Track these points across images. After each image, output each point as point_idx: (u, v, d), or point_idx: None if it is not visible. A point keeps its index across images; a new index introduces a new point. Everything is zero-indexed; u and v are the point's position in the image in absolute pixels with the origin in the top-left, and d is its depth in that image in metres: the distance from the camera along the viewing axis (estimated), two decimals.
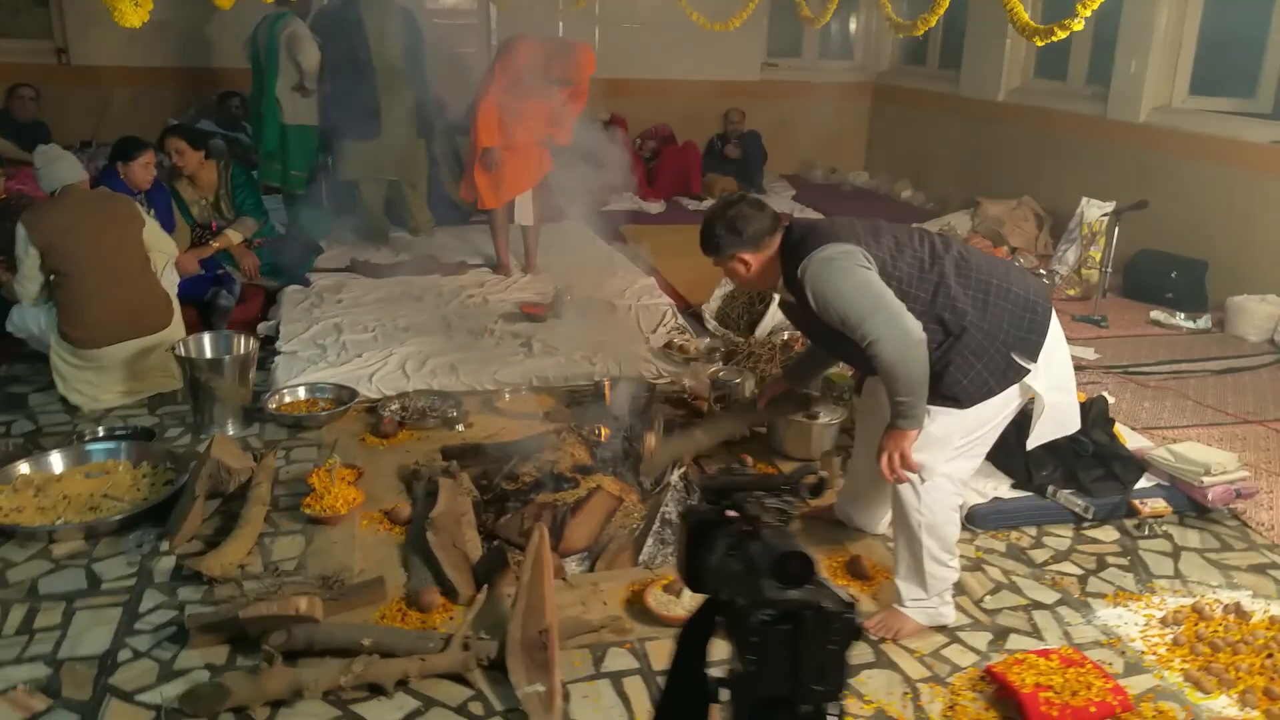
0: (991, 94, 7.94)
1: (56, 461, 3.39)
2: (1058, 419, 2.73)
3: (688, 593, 2.74)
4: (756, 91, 9.58)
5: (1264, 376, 4.67)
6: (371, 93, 6.00)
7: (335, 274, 5.71)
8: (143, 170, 4.66)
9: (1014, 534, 3.27)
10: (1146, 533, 3.28)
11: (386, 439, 3.79)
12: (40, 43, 8.11)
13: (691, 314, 5.35)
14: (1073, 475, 3.42)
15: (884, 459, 2.57)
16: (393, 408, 4.01)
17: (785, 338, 4.77)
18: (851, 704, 2.43)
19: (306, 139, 6.39)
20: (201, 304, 4.77)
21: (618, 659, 2.58)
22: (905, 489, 2.64)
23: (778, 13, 9.16)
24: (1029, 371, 2.59)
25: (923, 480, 2.61)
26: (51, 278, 3.91)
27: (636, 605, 2.77)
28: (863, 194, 9.11)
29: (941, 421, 2.58)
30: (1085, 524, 3.33)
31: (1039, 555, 3.15)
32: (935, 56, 9.05)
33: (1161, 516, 3.33)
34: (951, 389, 2.55)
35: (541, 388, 4.30)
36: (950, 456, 2.62)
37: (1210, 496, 3.35)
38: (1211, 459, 3.40)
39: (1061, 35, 4.13)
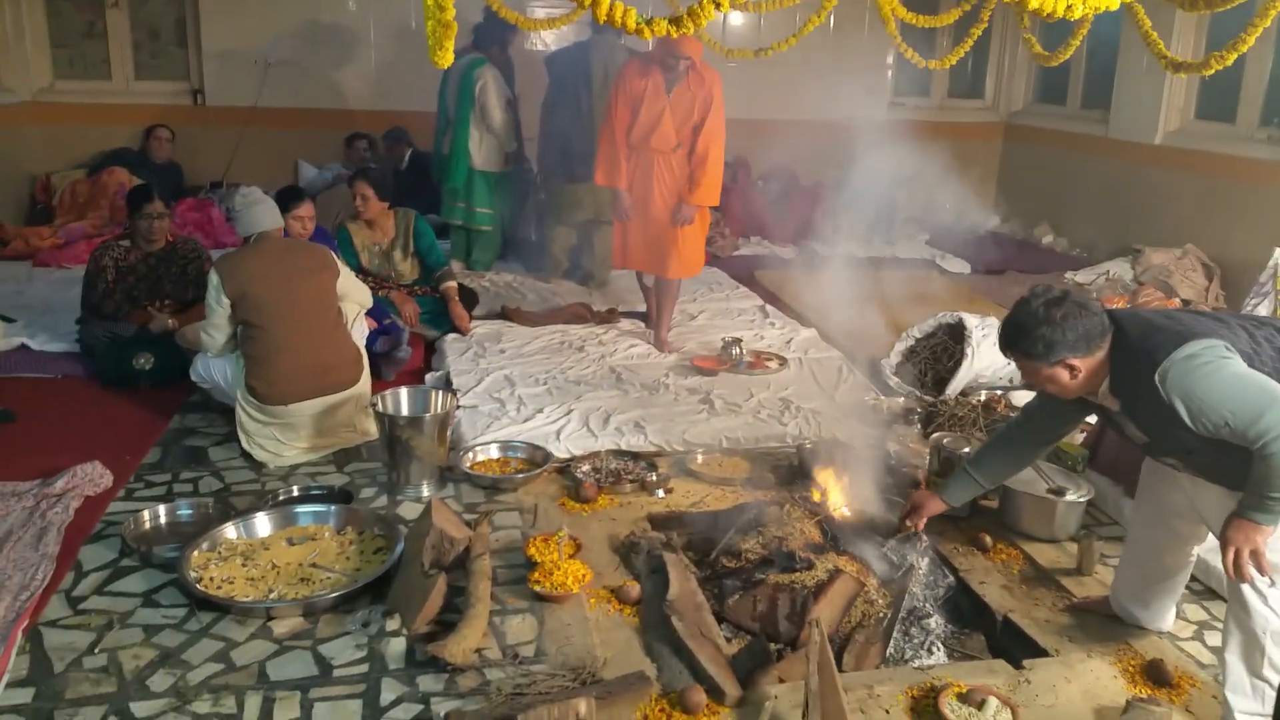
0: (1147, 136, 7.57)
1: (262, 526, 3.21)
2: None
3: (991, 705, 2.45)
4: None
5: None
6: (590, 136, 5.78)
7: (489, 322, 5.52)
8: (297, 223, 4.52)
9: None
10: None
11: (588, 504, 3.55)
12: (178, 84, 8.18)
13: (866, 368, 5.06)
14: None
15: (1231, 554, 2.27)
16: (584, 468, 3.79)
17: (983, 398, 4.47)
18: None
19: (489, 182, 6.56)
20: (368, 354, 4.61)
21: None
22: (1249, 590, 2.33)
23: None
24: None
25: (1273, 583, 2.30)
26: (240, 328, 3.77)
27: (926, 716, 2.48)
28: (1000, 239, 8.75)
29: None
30: None
31: None
32: (1077, 95, 8.70)
33: None
34: None
35: (734, 449, 4.03)
36: None
37: None
38: None
39: (1215, 69, 3.76)
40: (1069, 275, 7.29)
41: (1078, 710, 2.53)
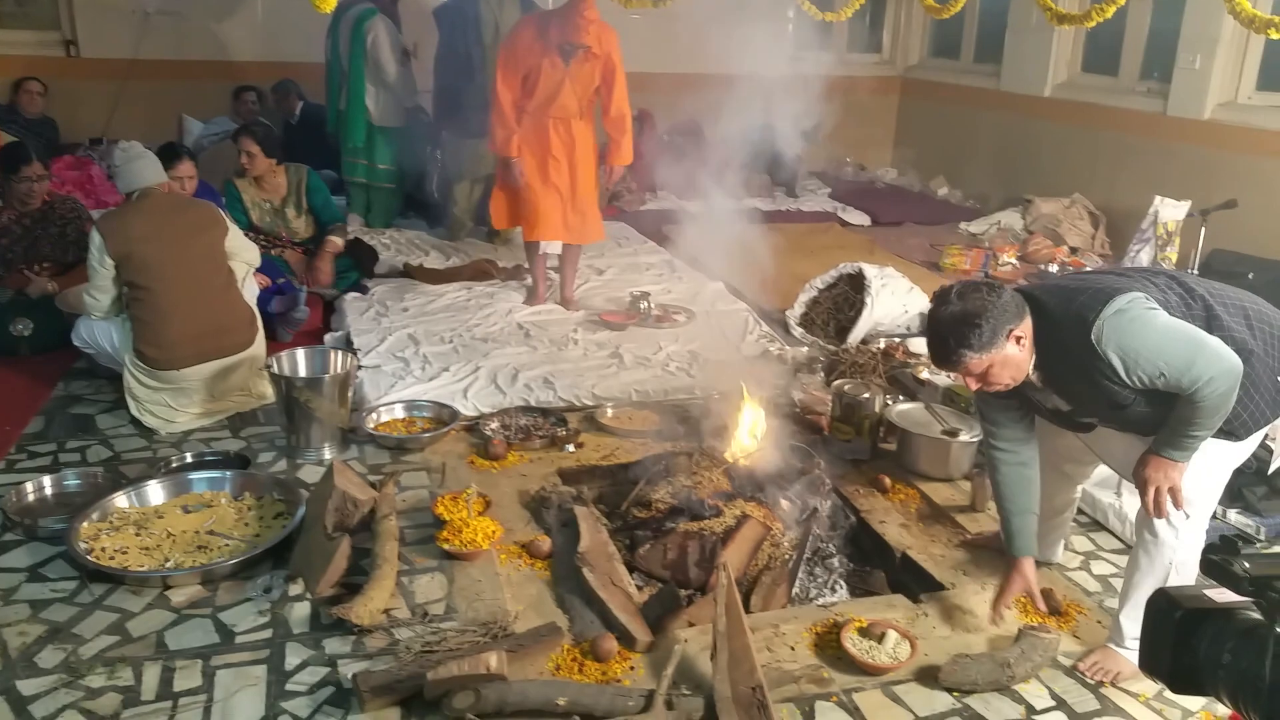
0: (1036, 89, 7.79)
1: (155, 494, 3.10)
2: None
3: (891, 638, 2.53)
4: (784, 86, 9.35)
5: None
6: (485, 89, 5.56)
7: (390, 280, 5.41)
8: (176, 184, 4.30)
9: None
10: None
11: (497, 461, 3.53)
12: (48, 34, 7.72)
13: (771, 320, 5.13)
14: (1238, 493, 3.24)
15: (1151, 492, 2.35)
16: (493, 426, 3.76)
17: (883, 345, 4.57)
18: None
19: (389, 138, 6.39)
20: (263, 315, 4.47)
21: (829, 714, 2.35)
22: (1162, 524, 2.41)
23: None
24: None
25: (1188, 516, 2.40)
26: (125, 290, 3.61)
27: (830, 651, 2.55)
28: (898, 191, 8.93)
29: (1214, 455, 2.38)
30: (1257, 544, 3.14)
31: None
32: (970, 50, 8.88)
33: None
34: (1231, 422, 2.33)
35: (644, 402, 4.05)
36: (1215, 490, 2.44)
37: None
38: None
39: (1096, 21, 3.94)
40: (963, 225, 7.49)
41: (973, 640, 2.63)
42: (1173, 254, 5.83)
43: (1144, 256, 5.98)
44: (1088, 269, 6.14)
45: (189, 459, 3.43)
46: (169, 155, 4.36)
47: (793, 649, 2.56)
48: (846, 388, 3.74)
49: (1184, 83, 6.43)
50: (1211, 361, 2.21)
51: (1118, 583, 2.89)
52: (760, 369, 4.36)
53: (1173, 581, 2.42)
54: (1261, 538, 3.16)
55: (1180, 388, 2.23)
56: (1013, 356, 2.33)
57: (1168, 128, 6.58)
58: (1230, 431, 2.35)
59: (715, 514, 3.11)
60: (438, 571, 2.84)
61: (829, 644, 2.57)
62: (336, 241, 5.12)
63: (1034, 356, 2.39)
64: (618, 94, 4.90)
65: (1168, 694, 2.46)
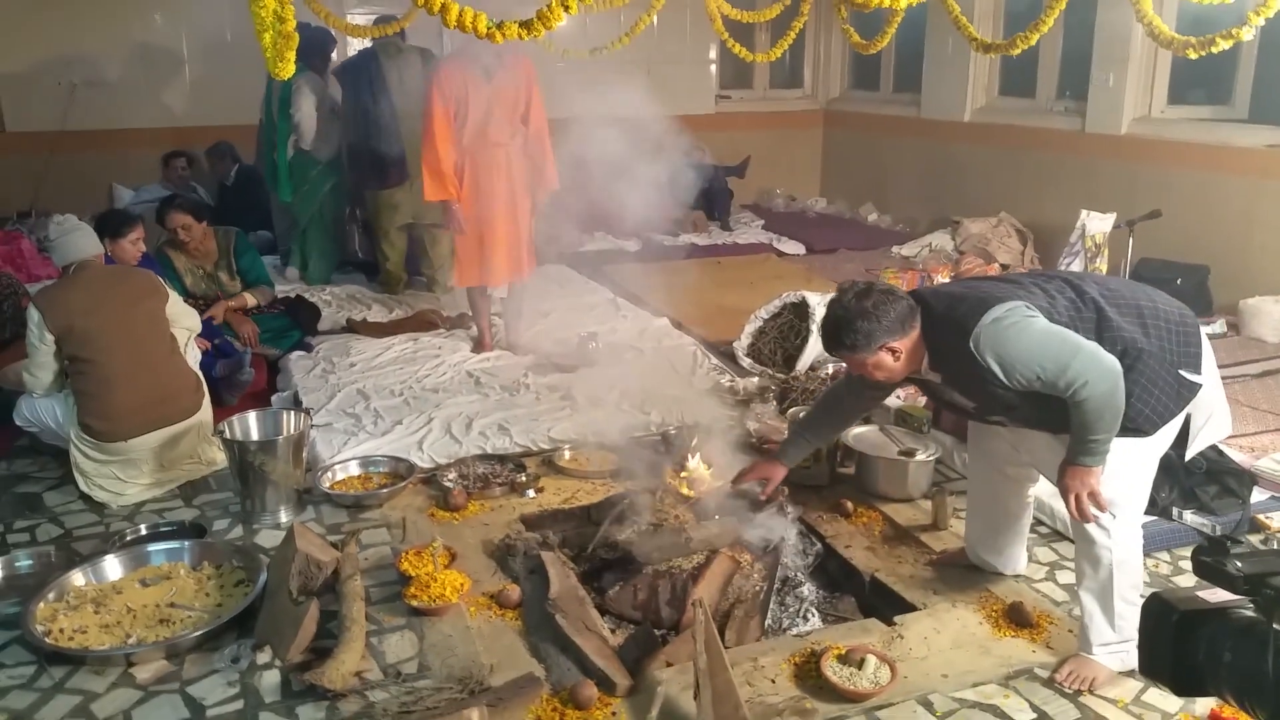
0: (956, 114, 8.02)
1: (112, 569, 3.01)
2: (1217, 426, 2.65)
3: (870, 663, 2.54)
4: (711, 124, 9.51)
5: None
6: (395, 139, 5.69)
7: (335, 336, 5.35)
8: (133, 247, 4.28)
9: (1149, 560, 3.15)
10: (1278, 548, 3.21)
11: (458, 512, 3.50)
12: None
13: (719, 352, 5.17)
14: (1191, 494, 3.33)
15: (1072, 500, 2.44)
16: (451, 476, 3.72)
17: (831, 370, 4.63)
18: None
19: (307, 166, 6.36)
20: (208, 379, 4.38)
21: None
22: (1093, 528, 2.50)
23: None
24: (1200, 386, 2.50)
25: (1114, 516, 2.47)
26: (67, 364, 3.52)
27: (810, 680, 2.55)
28: (829, 219, 9.10)
29: (1126, 453, 2.46)
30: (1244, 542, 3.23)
31: (1187, 582, 3.03)
32: (889, 81, 9.12)
33: None
34: (1135, 419, 2.43)
35: (601, 443, 4.04)
36: (1137, 487, 2.50)
37: None
38: None
39: (1021, 48, 4.11)
40: (895, 249, 7.65)
41: (949, 658, 2.66)
42: (1103, 265, 6.01)
43: (1075, 269, 6.16)
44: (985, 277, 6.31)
45: (143, 531, 3.35)
46: (122, 221, 4.31)
47: (773, 681, 2.57)
48: (801, 415, 3.78)
49: (1099, 100, 6.68)
50: (1087, 364, 2.31)
51: None
52: (713, 401, 4.41)
53: (1117, 580, 2.51)
54: (1218, 537, 3.25)
55: (1059, 390, 2.34)
56: (884, 362, 2.52)
57: (1087, 144, 6.82)
58: (1136, 429, 2.44)
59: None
60: (407, 629, 2.80)
61: (809, 673, 2.57)
62: (245, 298, 4.98)
63: (927, 358, 2.54)
64: (537, 113, 4.89)
65: (1145, 698, 2.52)
